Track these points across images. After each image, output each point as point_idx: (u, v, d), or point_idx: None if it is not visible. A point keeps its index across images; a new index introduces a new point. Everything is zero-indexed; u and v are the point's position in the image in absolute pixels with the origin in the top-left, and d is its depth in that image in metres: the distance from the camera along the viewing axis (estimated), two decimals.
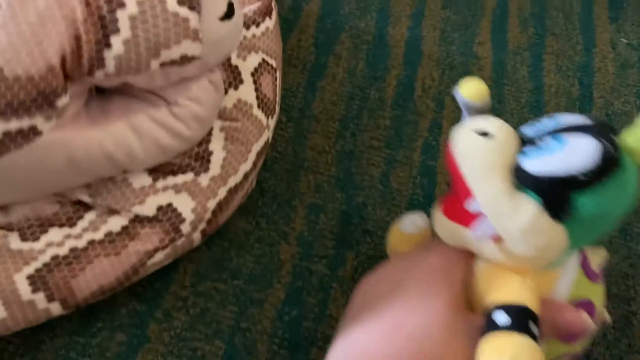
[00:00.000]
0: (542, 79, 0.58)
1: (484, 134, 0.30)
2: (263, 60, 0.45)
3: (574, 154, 0.28)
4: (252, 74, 0.44)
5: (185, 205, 0.39)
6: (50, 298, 0.35)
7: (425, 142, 0.52)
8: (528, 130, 0.32)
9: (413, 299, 0.31)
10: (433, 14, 0.61)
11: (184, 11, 0.32)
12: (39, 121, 0.31)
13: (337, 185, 0.48)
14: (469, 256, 0.33)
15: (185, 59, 0.34)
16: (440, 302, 0.30)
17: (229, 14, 0.35)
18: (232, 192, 0.41)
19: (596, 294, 0.33)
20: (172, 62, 0.33)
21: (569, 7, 0.65)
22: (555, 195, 0.29)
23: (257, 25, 0.46)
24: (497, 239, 0.30)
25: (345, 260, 0.44)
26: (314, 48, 0.56)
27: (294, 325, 0.42)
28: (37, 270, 0.35)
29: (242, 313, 0.42)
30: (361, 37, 0.58)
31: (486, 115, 0.34)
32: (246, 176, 0.42)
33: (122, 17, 0.31)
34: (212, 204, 0.40)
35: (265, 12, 0.47)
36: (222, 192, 0.40)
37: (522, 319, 0.28)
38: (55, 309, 0.36)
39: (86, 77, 0.32)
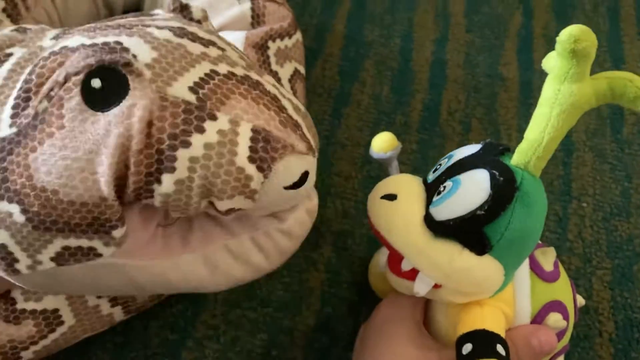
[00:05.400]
0: None
1: (390, 196, 0.31)
2: (296, 69, 0.48)
3: (468, 192, 0.29)
4: (289, 81, 0.46)
5: None
6: (113, 303, 0.37)
7: None
8: (431, 176, 0.33)
9: (381, 346, 0.34)
10: (457, 38, 0.62)
11: (250, 169, 0.28)
12: (97, 244, 0.29)
13: (364, 211, 0.48)
14: (418, 299, 0.35)
15: (230, 211, 0.30)
16: (404, 342, 0.33)
17: (299, 184, 0.30)
18: None
19: (560, 291, 0.34)
20: (217, 210, 0.30)
21: (595, 24, 0.64)
22: (468, 234, 0.29)
23: (290, 36, 0.48)
24: (439, 286, 0.31)
25: None
26: (339, 76, 0.57)
27: (325, 353, 0.42)
28: None
29: (273, 341, 0.42)
30: (385, 63, 0.59)
31: (396, 171, 0.38)
32: None
33: (182, 157, 0.27)
34: None
35: (295, 27, 0.49)
36: None
37: (485, 343, 0.29)
38: (118, 314, 0.38)
39: (136, 203, 0.29)
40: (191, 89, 0.27)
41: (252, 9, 0.48)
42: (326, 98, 0.55)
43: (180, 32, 0.30)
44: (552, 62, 0.31)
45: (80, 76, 0.26)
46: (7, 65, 0.29)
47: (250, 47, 0.46)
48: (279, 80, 0.45)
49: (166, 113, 0.27)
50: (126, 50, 0.27)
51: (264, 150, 0.28)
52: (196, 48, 0.29)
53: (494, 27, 0.63)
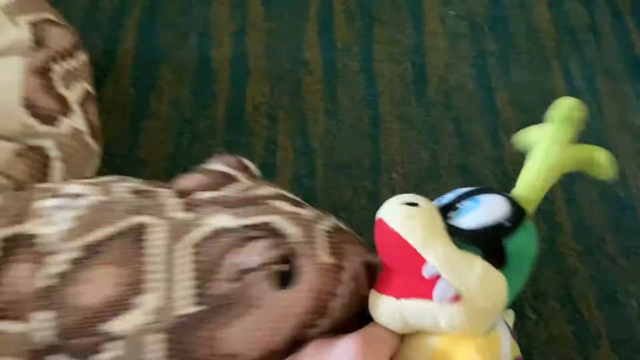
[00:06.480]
0: (374, 71, 0.58)
1: (411, 203, 0.33)
2: (87, 90, 0.46)
3: (493, 206, 0.34)
4: (81, 104, 0.44)
5: None
6: None
7: (263, 163, 0.50)
8: (442, 199, 0.36)
9: None
10: (256, 28, 0.60)
11: None
12: None
13: None
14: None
15: None
16: None
17: None
18: None
19: (518, 349, 0.36)
20: None
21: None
22: (492, 244, 0.32)
23: (74, 57, 0.46)
24: (457, 298, 0.31)
25: None
26: (133, 89, 0.54)
27: None
28: None
29: None
30: (183, 66, 0.56)
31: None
32: None
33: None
34: None
35: (79, 46, 0.47)
36: None
37: None
38: None
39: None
40: (329, 254, 0.34)
41: (32, 32, 0.44)
42: (121, 115, 0.52)
43: (294, 202, 0.36)
44: (531, 137, 0.37)
45: (272, 264, 0.31)
46: (159, 241, 0.32)
47: (31, 73, 0.43)
48: (68, 104, 0.43)
49: (331, 279, 0.33)
50: (285, 235, 0.33)
51: None
52: (309, 213, 0.36)
53: (292, 9, 0.62)
